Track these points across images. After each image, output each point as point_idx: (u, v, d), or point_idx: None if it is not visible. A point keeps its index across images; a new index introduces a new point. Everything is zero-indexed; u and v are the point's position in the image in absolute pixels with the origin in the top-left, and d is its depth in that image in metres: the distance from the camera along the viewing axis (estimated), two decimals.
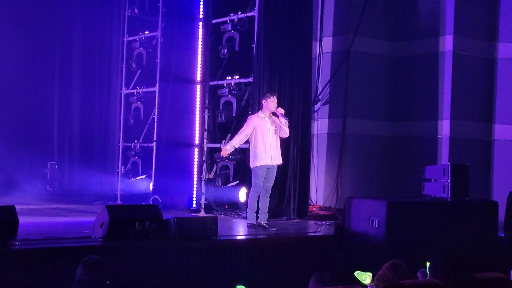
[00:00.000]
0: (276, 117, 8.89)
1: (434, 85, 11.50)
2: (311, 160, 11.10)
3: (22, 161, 12.30)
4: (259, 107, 9.96)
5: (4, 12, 12.82)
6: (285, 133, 8.90)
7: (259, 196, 8.84)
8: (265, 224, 8.73)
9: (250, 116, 9.21)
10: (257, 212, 8.85)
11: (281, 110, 8.86)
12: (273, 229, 8.65)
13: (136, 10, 12.41)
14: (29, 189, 12.28)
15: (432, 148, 11.43)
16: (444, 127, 11.35)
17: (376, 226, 7.73)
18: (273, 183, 8.95)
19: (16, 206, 6.45)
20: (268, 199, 8.91)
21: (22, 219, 6.39)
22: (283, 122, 8.82)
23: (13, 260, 6.01)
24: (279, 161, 8.92)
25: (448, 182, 8.74)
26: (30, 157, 12.50)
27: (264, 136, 8.83)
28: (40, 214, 9.51)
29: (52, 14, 12.97)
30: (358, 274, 5.31)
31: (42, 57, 13.04)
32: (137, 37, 12.41)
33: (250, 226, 8.76)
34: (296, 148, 10.29)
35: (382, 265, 4.94)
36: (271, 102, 8.89)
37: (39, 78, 13.13)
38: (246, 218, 9.81)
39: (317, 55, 11.75)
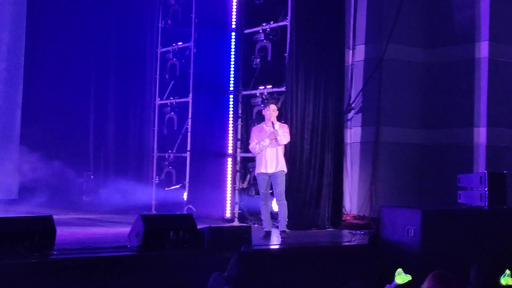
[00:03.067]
0: (280, 126, 8.93)
1: (469, 92, 11.36)
2: (345, 169, 11.05)
3: (59, 171, 12.47)
4: (292, 116, 9.99)
5: (41, 25, 13.10)
6: (280, 141, 8.85)
7: (267, 203, 8.91)
8: (280, 232, 8.71)
9: (252, 129, 9.38)
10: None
11: (273, 119, 8.90)
12: (281, 238, 8.59)
13: (169, 22, 12.59)
14: (66, 199, 12.46)
15: (467, 156, 11.28)
16: (481, 135, 11.19)
17: (412, 235, 7.67)
18: (282, 189, 8.84)
19: (54, 216, 6.55)
20: (283, 206, 8.85)
21: (59, 229, 6.48)
22: (276, 131, 8.84)
23: (51, 270, 6.10)
24: (277, 168, 8.84)
25: (486, 191, 8.62)
26: (67, 167, 12.67)
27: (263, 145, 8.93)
28: (76, 224, 9.63)
29: (88, 26, 13.19)
30: (399, 272, 5.26)
31: (78, 69, 13.27)
32: (170, 48, 12.55)
33: (264, 233, 8.78)
34: (329, 157, 10.26)
35: (418, 274, 4.89)
36: (267, 112, 9.01)
37: (75, 90, 13.34)
38: (277, 227, 9.85)
39: (350, 63, 11.72)
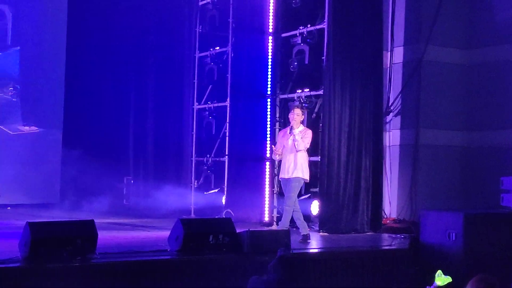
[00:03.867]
0: (302, 131, 8.86)
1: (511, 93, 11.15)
2: (384, 172, 10.96)
3: (100, 176, 12.65)
4: (330, 119, 9.95)
5: (82, 30, 13.31)
6: (297, 146, 8.75)
7: (295, 207, 8.82)
8: None
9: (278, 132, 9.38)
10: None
11: (293, 123, 8.85)
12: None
13: (207, 27, 12.66)
14: (107, 204, 12.61)
15: (510, 158, 11.06)
16: None
17: (453, 239, 7.56)
18: (290, 195, 8.74)
19: (95, 220, 6.64)
20: (286, 212, 8.76)
21: (100, 233, 6.56)
22: (294, 136, 8.76)
23: (93, 273, 6.18)
24: (292, 174, 8.75)
25: None
26: (107, 172, 12.85)
27: (284, 149, 8.88)
28: (117, 228, 9.75)
29: (127, 32, 13.36)
30: (439, 274, 5.19)
31: (118, 75, 13.44)
32: (208, 53, 12.63)
33: (302, 237, 8.68)
34: (368, 160, 10.19)
35: (460, 278, 4.81)
36: (290, 115, 8.96)
37: (115, 95, 13.53)
38: (319, 231, 9.81)
39: (388, 66, 11.61)
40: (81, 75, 13.37)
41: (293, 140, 8.76)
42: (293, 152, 8.80)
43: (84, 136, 13.27)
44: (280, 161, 9.29)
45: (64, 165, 13.22)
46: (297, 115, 8.90)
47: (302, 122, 10.35)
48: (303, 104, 10.63)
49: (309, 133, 8.94)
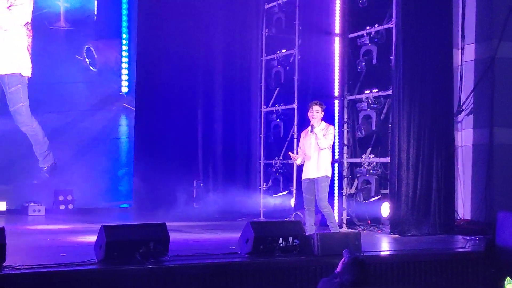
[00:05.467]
0: (324, 129, 8.67)
1: None
2: (456, 173, 10.70)
3: (171, 180, 12.88)
4: (399, 120, 9.79)
5: (151, 32, 13.57)
6: (320, 144, 8.57)
7: (310, 208, 8.67)
8: None
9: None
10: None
11: (313, 121, 8.66)
12: None
13: (273, 30, 12.70)
14: (178, 207, 12.83)
15: None
16: None
17: None
18: (323, 196, 8.58)
19: (166, 223, 6.75)
20: (327, 214, 8.64)
21: (172, 236, 6.66)
22: (316, 134, 8.57)
23: (165, 276, 6.29)
24: (314, 174, 8.59)
25: None
26: (177, 176, 13.07)
27: (305, 149, 8.74)
28: (188, 231, 9.88)
29: (195, 36, 13.55)
30: (508, 281, 5.04)
31: (185, 79, 13.64)
32: (274, 56, 12.68)
33: None
34: (439, 160, 9.96)
35: None
36: (309, 114, 8.76)
37: (183, 100, 13.73)
38: (389, 233, 9.66)
39: (459, 64, 11.34)
40: (150, 80, 13.64)
41: (316, 138, 8.60)
42: (317, 151, 8.63)
43: (155, 140, 13.53)
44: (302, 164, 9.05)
45: (136, 169, 13.52)
46: (316, 112, 8.68)
47: (372, 124, 10.20)
48: (372, 105, 10.49)
49: (331, 130, 8.75)
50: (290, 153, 9.38)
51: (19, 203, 12.60)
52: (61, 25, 13.43)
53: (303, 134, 9.05)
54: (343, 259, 5.26)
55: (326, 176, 8.68)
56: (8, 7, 12.78)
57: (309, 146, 8.77)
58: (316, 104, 8.79)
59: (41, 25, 13.13)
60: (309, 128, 8.81)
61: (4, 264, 5.80)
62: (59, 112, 13.23)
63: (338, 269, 5.22)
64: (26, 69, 12.90)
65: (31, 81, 12.94)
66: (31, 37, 12.97)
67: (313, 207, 8.79)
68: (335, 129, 8.92)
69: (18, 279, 5.66)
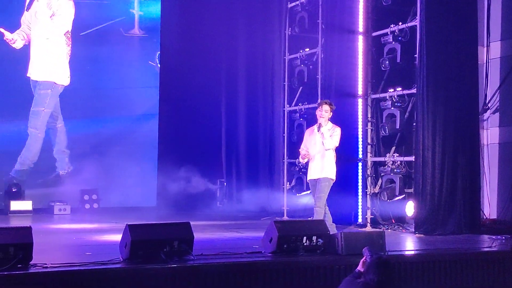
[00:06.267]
0: (331, 129, 8.53)
1: None
2: (482, 172, 10.58)
3: (194, 179, 12.93)
4: (423, 118, 9.71)
5: (174, 38, 13.67)
6: (325, 144, 8.42)
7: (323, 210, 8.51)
8: None
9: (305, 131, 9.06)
10: None
11: (320, 120, 8.53)
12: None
13: (296, 29, 12.69)
14: (201, 206, 12.87)
15: None
16: None
17: None
18: (321, 195, 8.46)
19: (191, 222, 6.78)
20: (317, 214, 8.48)
21: (195, 235, 6.68)
22: (322, 134, 8.45)
23: (189, 275, 6.31)
24: (321, 174, 8.46)
25: None
26: (201, 175, 13.12)
27: (310, 149, 8.61)
28: (212, 230, 9.91)
29: (218, 36, 13.61)
30: None
31: (208, 79, 13.71)
32: (297, 55, 12.67)
33: None
34: (464, 159, 9.87)
35: None
36: (318, 112, 8.60)
37: (206, 99, 13.80)
38: (414, 232, 9.60)
39: (485, 61, 11.23)
40: (173, 80, 13.74)
41: (322, 138, 8.48)
42: (321, 151, 8.51)
43: (179, 140, 13.60)
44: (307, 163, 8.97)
45: (160, 168, 13.61)
46: (325, 112, 8.56)
47: (396, 123, 10.10)
48: (396, 104, 10.43)
49: (337, 131, 8.63)
50: (300, 150, 9.11)
51: (45, 202, 12.76)
52: (135, 32, 13.84)
53: (308, 132, 8.96)
54: (363, 258, 5.24)
55: (329, 178, 8.57)
56: (50, 16, 13.02)
57: (313, 145, 8.66)
58: (326, 103, 8.68)
59: (116, 32, 13.56)
60: (315, 126, 8.74)
61: (31, 262, 5.87)
62: (115, 117, 13.58)
63: (359, 268, 5.20)
64: (62, 78, 13.19)
65: (95, 86, 13.37)
66: (70, 46, 13.21)
67: (325, 207, 8.70)
68: (341, 131, 8.74)
69: (44, 278, 5.72)
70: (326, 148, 8.54)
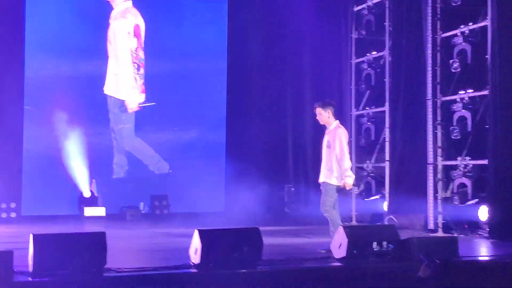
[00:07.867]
0: (336, 131, 8.04)
1: None
2: None
3: (262, 185, 12.97)
4: (496, 121, 9.44)
5: (240, 43, 13.77)
6: (346, 176, 7.87)
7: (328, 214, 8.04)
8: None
9: None
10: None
11: (321, 123, 8.14)
12: (322, 251, 7.64)
13: (362, 32, 12.60)
14: (269, 212, 12.90)
15: None
16: None
17: None
18: (324, 199, 7.98)
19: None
20: (329, 219, 8.05)
21: (264, 240, 6.69)
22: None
23: (259, 280, 6.32)
24: (321, 179, 8.00)
25: None
26: (268, 181, 13.17)
27: (322, 152, 8.20)
28: (280, 235, 9.92)
29: (283, 42, 13.64)
30: None
31: (275, 83, 13.75)
32: (364, 58, 12.57)
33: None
34: None
35: None
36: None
37: (273, 105, 13.85)
38: (488, 238, 9.34)
39: None
40: (240, 87, 13.84)
41: (327, 141, 8.08)
42: (328, 155, 8.04)
43: (246, 145, 13.68)
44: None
45: (228, 175, 13.73)
46: (318, 114, 8.05)
47: (467, 126, 9.81)
48: (467, 106, 10.18)
49: (338, 135, 7.99)
50: None
51: (117, 207, 13.06)
52: None
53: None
54: (424, 264, 5.13)
55: (327, 183, 7.97)
56: (128, 33, 13.29)
57: (323, 147, 8.22)
58: (318, 105, 8.09)
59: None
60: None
61: (105, 266, 6.02)
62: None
63: (420, 273, 5.10)
64: (132, 100, 13.35)
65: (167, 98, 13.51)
66: (142, 63, 13.38)
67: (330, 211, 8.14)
68: (345, 132, 8.15)
69: (119, 281, 5.87)
70: (343, 166, 7.93)
